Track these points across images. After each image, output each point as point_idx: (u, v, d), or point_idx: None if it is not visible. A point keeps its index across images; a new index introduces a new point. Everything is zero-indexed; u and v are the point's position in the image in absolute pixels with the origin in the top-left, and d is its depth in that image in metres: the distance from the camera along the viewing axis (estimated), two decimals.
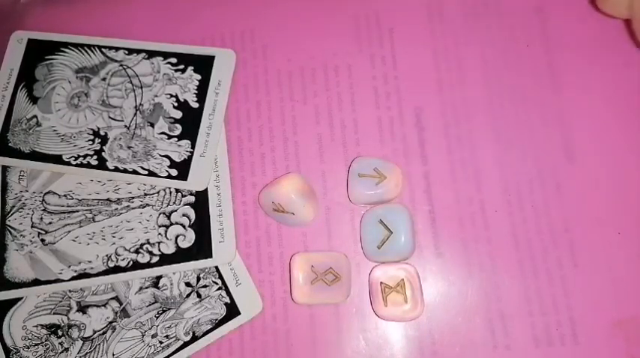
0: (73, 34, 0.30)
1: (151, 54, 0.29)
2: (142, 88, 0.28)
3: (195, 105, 0.28)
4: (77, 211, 0.27)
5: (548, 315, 0.23)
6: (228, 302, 0.25)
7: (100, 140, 0.28)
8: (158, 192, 0.27)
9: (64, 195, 0.27)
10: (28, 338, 0.26)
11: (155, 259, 0.26)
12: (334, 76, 0.27)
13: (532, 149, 0.25)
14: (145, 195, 0.27)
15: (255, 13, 0.29)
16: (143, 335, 0.25)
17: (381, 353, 0.24)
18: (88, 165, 0.27)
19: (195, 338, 0.25)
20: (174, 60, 0.28)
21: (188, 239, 0.26)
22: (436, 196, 0.25)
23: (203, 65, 0.28)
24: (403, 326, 0.24)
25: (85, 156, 0.27)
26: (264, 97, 0.28)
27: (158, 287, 0.26)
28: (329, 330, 0.24)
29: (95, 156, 0.27)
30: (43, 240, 0.27)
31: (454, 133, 0.26)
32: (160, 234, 0.26)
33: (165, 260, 0.26)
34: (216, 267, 0.26)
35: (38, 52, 0.30)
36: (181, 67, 0.28)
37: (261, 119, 0.27)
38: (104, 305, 0.26)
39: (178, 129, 0.27)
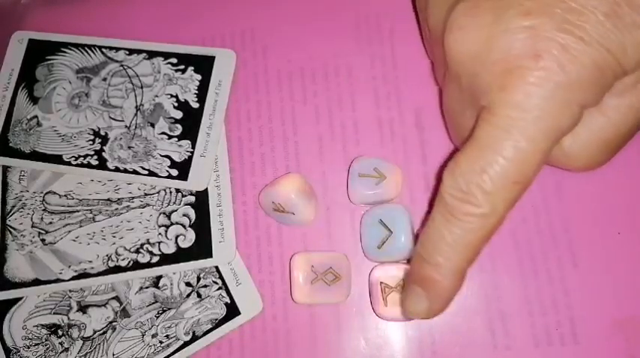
0: (74, 35, 0.30)
1: (151, 54, 0.29)
2: (142, 88, 0.28)
3: (196, 105, 0.28)
4: (77, 211, 0.27)
5: (548, 315, 0.23)
6: (228, 302, 0.25)
7: (100, 140, 0.28)
8: (158, 192, 0.27)
9: (65, 195, 0.27)
10: (29, 338, 0.26)
11: (155, 259, 0.26)
12: (334, 76, 0.27)
13: None
14: (146, 195, 0.27)
15: (255, 13, 0.29)
16: (143, 335, 0.25)
17: (381, 353, 0.24)
18: (89, 165, 0.27)
19: (195, 338, 0.25)
20: (174, 60, 0.29)
21: (188, 239, 0.26)
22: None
23: (203, 65, 0.28)
24: (403, 326, 0.24)
25: (85, 156, 0.28)
26: (264, 97, 0.28)
27: (158, 287, 0.26)
28: (329, 330, 0.24)
29: (95, 156, 0.27)
30: (43, 240, 0.27)
31: None
32: (160, 233, 0.26)
33: (166, 260, 0.26)
34: (216, 267, 0.26)
35: (39, 53, 0.30)
36: (182, 67, 0.28)
37: (262, 119, 0.27)
38: (104, 305, 0.26)
39: (179, 129, 0.27)
